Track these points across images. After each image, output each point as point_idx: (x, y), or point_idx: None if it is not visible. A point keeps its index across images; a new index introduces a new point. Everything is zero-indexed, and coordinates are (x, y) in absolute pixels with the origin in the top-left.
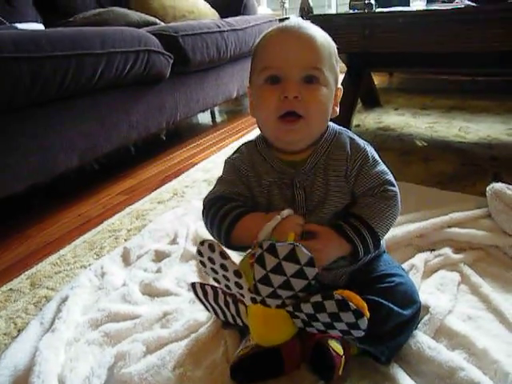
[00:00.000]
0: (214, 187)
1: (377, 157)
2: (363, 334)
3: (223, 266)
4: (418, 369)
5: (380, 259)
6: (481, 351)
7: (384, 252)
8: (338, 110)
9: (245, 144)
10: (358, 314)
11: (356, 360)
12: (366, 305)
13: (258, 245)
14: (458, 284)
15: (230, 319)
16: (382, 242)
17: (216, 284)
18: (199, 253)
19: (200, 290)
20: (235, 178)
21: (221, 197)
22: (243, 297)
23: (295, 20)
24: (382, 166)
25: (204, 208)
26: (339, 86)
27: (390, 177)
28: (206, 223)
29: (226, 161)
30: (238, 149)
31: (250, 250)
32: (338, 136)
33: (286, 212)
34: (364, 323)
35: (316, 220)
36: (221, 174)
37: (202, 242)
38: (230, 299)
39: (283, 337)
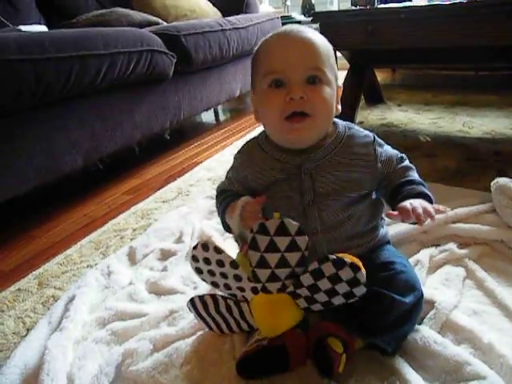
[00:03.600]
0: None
1: (381, 140)
2: (365, 290)
3: (219, 262)
4: (424, 363)
5: (383, 248)
6: (486, 346)
7: (388, 242)
8: (340, 107)
9: (247, 142)
10: (355, 267)
11: (362, 355)
12: (360, 262)
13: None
14: (463, 279)
15: (234, 326)
16: (386, 231)
17: (216, 291)
18: (194, 258)
19: (200, 304)
20: (234, 177)
21: (224, 190)
22: (244, 291)
23: (291, 26)
24: (388, 147)
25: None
26: (339, 84)
27: (399, 152)
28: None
29: (234, 157)
30: (241, 147)
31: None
32: (352, 132)
33: (245, 198)
34: (362, 276)
35: (326, 207)
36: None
37: (195, 246)
38: (231, 303)
39: (290, 322)
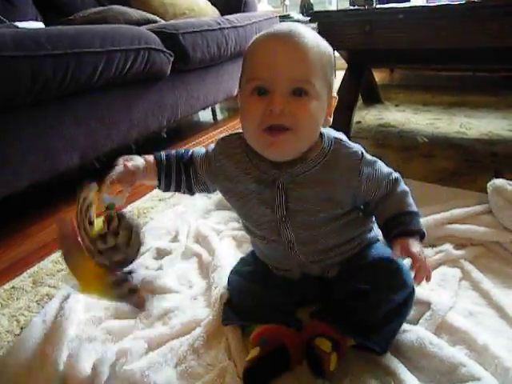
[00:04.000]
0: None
1: (371, 157)
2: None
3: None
4: (420, 364)
5: (372, 247)
6: (481, 347)
7: (377, 241)
8: (331, 119)
9: (236, 134)
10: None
11: (356, 355)
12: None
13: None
14: (459, 280)
15: None
16: (375, 234)
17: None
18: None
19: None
20: (207, 158)
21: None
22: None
23: (287, 25)
24: (380, 164)
25: None
26: (334, 94)
27: (393, 172)
28: None
29: (216, 141)
30: (228, 135)
31: None
32: (338, 148)
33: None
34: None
35: (300, 224)
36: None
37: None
38: None
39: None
